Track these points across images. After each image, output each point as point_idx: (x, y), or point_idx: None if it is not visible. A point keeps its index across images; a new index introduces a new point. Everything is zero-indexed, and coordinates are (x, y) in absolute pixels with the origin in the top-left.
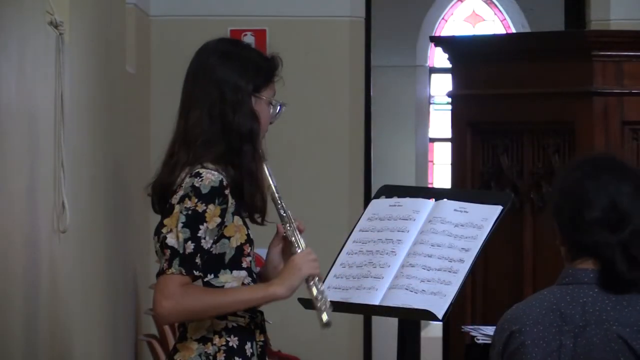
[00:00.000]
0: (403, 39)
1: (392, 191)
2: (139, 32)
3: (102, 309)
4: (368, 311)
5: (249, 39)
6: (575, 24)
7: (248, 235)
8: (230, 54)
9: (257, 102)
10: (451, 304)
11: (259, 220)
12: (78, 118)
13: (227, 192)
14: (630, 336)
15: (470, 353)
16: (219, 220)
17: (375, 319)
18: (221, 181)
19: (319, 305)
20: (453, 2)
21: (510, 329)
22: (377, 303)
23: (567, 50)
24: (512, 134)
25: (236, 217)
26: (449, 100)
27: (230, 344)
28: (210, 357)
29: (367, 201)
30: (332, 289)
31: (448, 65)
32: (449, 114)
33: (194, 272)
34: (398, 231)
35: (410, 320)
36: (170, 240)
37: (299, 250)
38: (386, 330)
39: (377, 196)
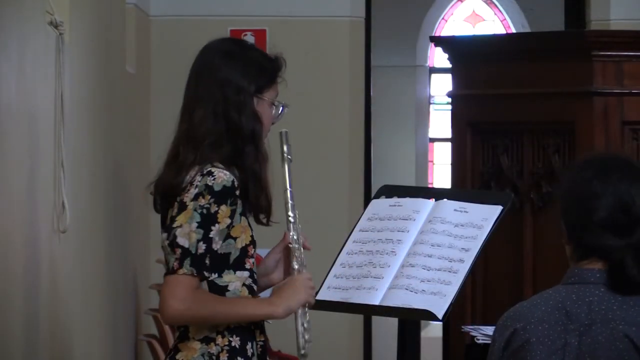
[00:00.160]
0: (403, 39)
1: (392, 191)
2: (139, 32)
3: (102, 309)
4: (368, 311)
5: (249, 39)
6: (575, 24)
7: (252, 236)
8: (234, 54)
9: (260, 103)
10: (451, 304)
11: (264, 220)
12: (78, 118)
13: (237, 192)
14: (636, 335)
15: (470, 353)
16: (229, 221)
17: (375, 319)
18: (233, 181)
19: (301, 334)
20: (453, 2)
21: (514, 326)
22: (377, 303)
23: (567, 50)
24: (512, 134)
25: (242, 218)
26: (449, 100)
27: (233, 343)
28: (214, 357)
29: (367, 201)
30: (332, 289)
31: (448, 65)
32: (449, 114)
33: (204, 272)
34: (398, 231)
35: (410, 320)
36: (182, 239)
37: (296, 266)
38: (386, 330)
39: (377, 196)
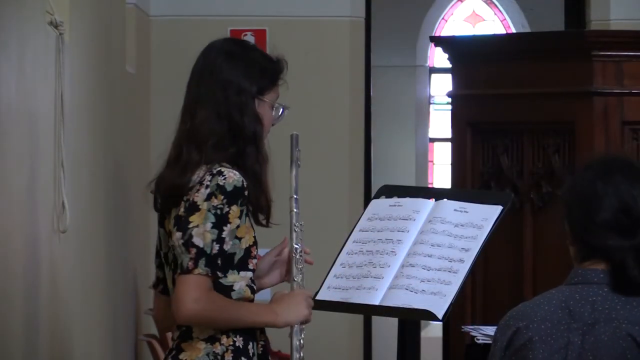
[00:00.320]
0: (403, 39)
1: (392, 191)
2: (139, 32)
3: (102, 309)
4: (368, 311)
5: (249, 39)
6: (575, 24)
7: (255, 237)
8: (236, 55)
9: (260, 105)
10: (451, 304)
11: (264, 222)
12: (78, 118)
13: (246, 193)
14: (639, 334)
15: (470, 353)
16: (238, 221)
17: (375, 319)
18: (243, 181)
19: (296, 350)
20: (453, 2)
21: (516, 325)
22: (377, 303)
23: (567, 50)
24: (512, 134)
25: (247, 219)
26: (449, 100)
27: (237, 343)
28: (219, 357)
29: (367, 201)
30: (332, 289)
31: (448, 65)
32: (449, 114)
33: (217, 273)
34: (398, 231)
35: (410, 320)
36: (197, 239)
37: (297, 279)
38: (386, 330)
39: (377, 196)
